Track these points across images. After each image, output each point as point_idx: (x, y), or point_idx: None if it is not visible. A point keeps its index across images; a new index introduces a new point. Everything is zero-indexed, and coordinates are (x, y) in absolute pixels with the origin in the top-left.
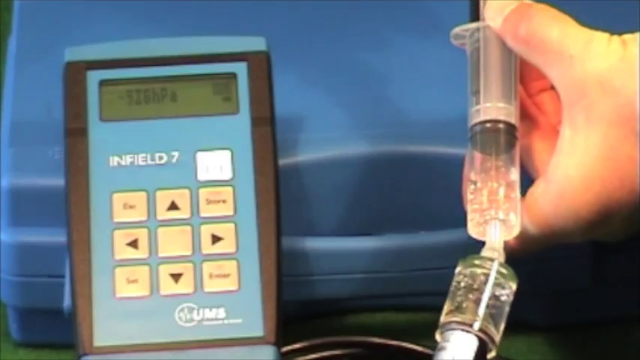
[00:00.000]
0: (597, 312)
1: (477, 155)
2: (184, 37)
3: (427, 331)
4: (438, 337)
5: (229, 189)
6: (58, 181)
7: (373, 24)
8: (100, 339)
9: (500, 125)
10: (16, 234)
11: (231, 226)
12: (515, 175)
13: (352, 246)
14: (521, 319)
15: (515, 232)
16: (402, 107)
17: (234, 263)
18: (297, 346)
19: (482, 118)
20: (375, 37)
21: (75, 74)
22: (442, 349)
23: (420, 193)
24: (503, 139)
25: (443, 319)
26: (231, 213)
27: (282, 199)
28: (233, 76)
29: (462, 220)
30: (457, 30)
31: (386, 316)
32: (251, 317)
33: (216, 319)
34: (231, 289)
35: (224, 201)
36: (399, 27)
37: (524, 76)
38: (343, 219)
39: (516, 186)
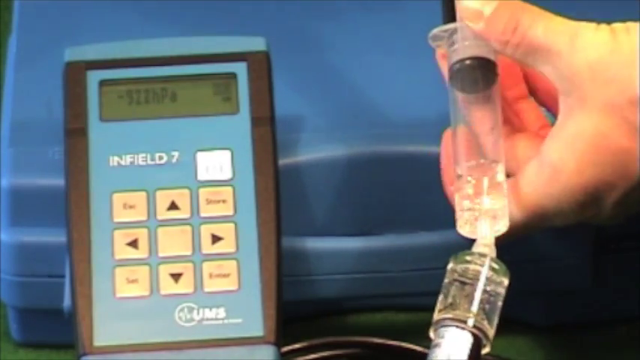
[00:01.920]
0: (597, 312)
1: (458, 95)
2: (184, 37)
3: (427, 331)
4: (431, 334)
5: (229, 189)
6: (58, 181)
7: (373, 24)
8: (100, 339)
9: (480, 61)
10: (16, 234)
11: (231, 225)
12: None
13: (352, 246)
14: (521, 319)
15: (505, 227)
16: (402, 107)
17: (234, 263)
18: (297, 346)
19: (460, 56)
20: (375, 37)
21: (75, 74)
22: (437, 346)
23: (419, 193)
24: (484, 76)
25: (436, 316)
26: (231, 213)
27: (282, 199)
28: (233, 76)
29: None
30: (435, 31)
31: (386, 316)
32: (251, 317)
33: (216, 318)
34: (231, 288)
35: (224, 201)
36: (399, 27)
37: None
38: (343, 219)
39: (501, 165)
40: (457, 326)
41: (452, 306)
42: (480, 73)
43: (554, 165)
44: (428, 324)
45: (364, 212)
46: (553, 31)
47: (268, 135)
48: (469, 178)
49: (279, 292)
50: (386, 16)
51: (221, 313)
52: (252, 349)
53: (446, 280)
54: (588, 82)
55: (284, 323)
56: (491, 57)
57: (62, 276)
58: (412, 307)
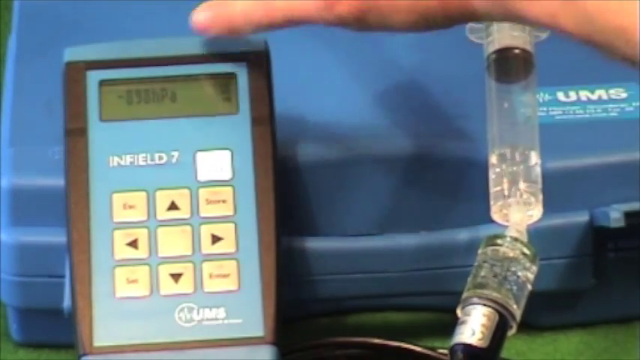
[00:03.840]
0: (597, 312)
1: (494, 84)
2: (184, 37)
3: (427, 331)
4: (458, 312)
5: (229, 189)
6: (58, 181)
7: None
8: (100, 339)
9: (517, 51)
10: (16, 234)
11: (231, 226)
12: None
13: (352, 246)
14: (521, 319)
15: (539, 214)
16: (402, 107)
17: (234, 263)
18: (297, 346)
19: (497, 46)
20: (375, 36)
21: (75, 74)
22: (463, 322)
23: (420, 193)
24: (520, 66)
25: (465, 294)
26: (231, 213)
27: (282, 199)
28: (233, 76)
29: (462, 220)
30: (473, 23)
31: (386, 316)
32: (251, 317)
33: (216, 319)
34: (231, 289)
35: (224, 201)
36: None
37: None
38: (343, 219)
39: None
40: (484, 304)
41: (480, 285)
42: (517, 62)
43: None
44: (428, 324)
45: (364, 212)
46: None
47: (268, 135)
48: (504, 166)
49: (279, 292)
50: None
51: (221, 313)
52: (252, 349)
53: (476, 262)
54: None
55: (284, 323)
56: (528, 47)
57: (62, 276)
58: (412, 307)
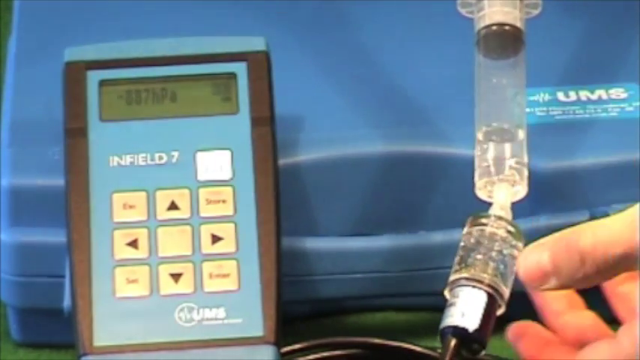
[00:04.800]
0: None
1: (483, 60)
2: (184, 37)
3: (427, 331)
4: (447, 294)
5: (229, 189)
6: (58, 181)
7: (373, 23)
8: (100, 339)
9: (507, 28)
10: (16, 234)
11: (231, 226)
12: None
13: (352, 246)
14: (521, 319)
15: (523, 193)
16: (401, 107)
17: (234, 263)
18: (297, 346)
19: (487, 22)
20: (374, 36)
21: (75, 74)
22: (452, 305)
23: (420, 193)
24: (510, 42)
25: (451, 277)
26: (231, 213)
27: (282, 199)
28: (233, 76)
29: (461, 220)
30: None
31: (386, 316)
32: (251, 317)
33: (216, 318)
34: (231, 288)
35: (224, 201)
36: (398, 26)
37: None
38: (343, 219)
39: (522, 131)
40: (473, 286)
41: (467, 267)
42: (506, 39)
43: None
44: (428, 324)
45: (364, 212)
46: (615, 234)
47: (268, 135)
48: (490, 143)
49: (278, 292)
50: (385, 15)
51: (221, 313)
52: (252, 349)
53: (461, 243)
54: None
55: (284, 323)
56: (519, 24)
57: (62, 276)
58: (412, 307)
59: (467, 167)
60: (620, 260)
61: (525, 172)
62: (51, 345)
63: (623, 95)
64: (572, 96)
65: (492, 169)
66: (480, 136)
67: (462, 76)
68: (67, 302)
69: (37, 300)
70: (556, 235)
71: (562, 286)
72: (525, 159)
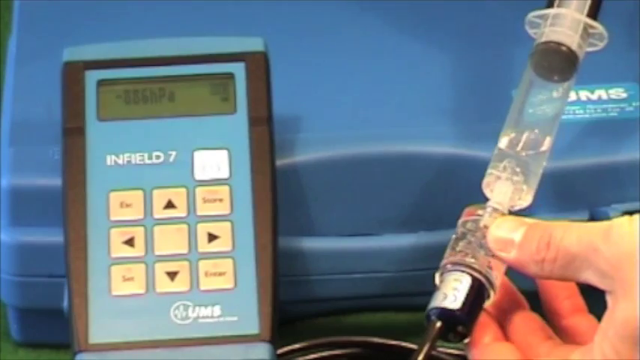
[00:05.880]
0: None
1: (529, 74)
2: (182, 38)
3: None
4: (437, 279)
5: (226, 188)
6: (58, 181)
7: (372, 24)
8: (96, 336)
9: (564, 48)
10: (16, 234)
11: (228, 224)
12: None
13: (352, 246)
14: None
15: (527, 202)
16: (401, 107)
17: (230, 261)
18: (297, 346)
19: (544, 39)
20: (374, 37)
21: (73, 74)
22: (437, 289)
23: (419, 193)
24: (562, 63)
25: (442, 262)
26: (227, 212)
27: (282, 199)
28: (231, 76)
29: None
30: (530, 17)
31: (386, 316)
32: (246, 315)
33: (212, 316)
34: (226, 287)
35: (221, 200)
36: (397, 27)
37: (552, 299)
38: (343, 219)
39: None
40: (458, 270)
41: (456, 252)
42: (560, 59)
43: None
44: None
45: (364, 212)
46: (587, 232)
47: (266, 135)
48: (510, 149)
49: (274, 291)
50: (385, 15)
51: (217, 311)
52: (247, 347)
53: (455, 234)
54: (629, 271)
55: (284, 323)
56: (574, 47)
57: (62, 276)
58: (412, 307)
59: (467, 167)
60: (576, 257)
61: (535, 185)
62: (51, 345)
63: (623, 95)
64: (572, 96)
65: (501, 168)
66: (504, 140)
67: (462, 76)
68: (66, 302)
69: (37, 300)
70: (536, 220)
71: (516, 262)
72: (540, 171)
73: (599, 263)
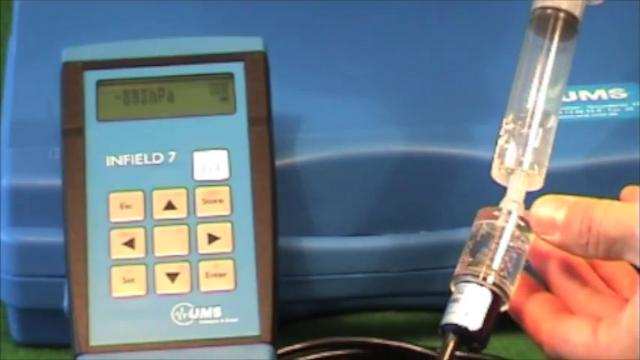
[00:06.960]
0: None
1: (530, 39)
2: (181, 38)
3: (427, 331)
4: (452, 287)
5: (226, 189)
6: (58, 181)
7: (371, 24)
8: (96, 338)
9: (562, 14)
10: (16, 234)
11: (228, 225)
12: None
13: (352, 246)
14: None
15: (539, 185)
16: (401, 107)
17: (230, 263)
18: (297, 346)
19: (541, 4)
20: (374, 36)
21: (72, 74)
22: (455, 300)
23: (420, 193)
24: (562, 26)
25: (458, 269)
26: (227, 212)
27: (282, 200)
28: (230, 76)
29: (462, 220)
30: None
31: (386, 316)
32: (247, 316)
33: (212, 318)
34: (227, 288)
35: (220, 200)
36: (397, 27)
37: None
38: (343, 219)
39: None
40: (479, 284)
41: (474, 262)
42: (559, 23)
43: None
44: (428, 324)
45: (364, 212)
46: (625, 215)
47: (265, 135)
48: (515, 126)
49: (275, 292)
50: (385, 15)
51: (217, 312)
52: (248, 348)
53: (471, 235)
54: None
55: (284, 323)
56: (575, 12)
57: (62, 276)
58: (412, 307)
59: (467, 167)
60: (616, 241)
61: (546, 163)
62: (51, 345)
63: (623, 95)
64: (572, 96)
65: (513, 153)
66: (509, 117)
67: (461, 76)
68: (66, 302)
69: (37, 300)
70: (577, 197)
71: (561, 245)
72: (549, 149)
73: (638, 246)
